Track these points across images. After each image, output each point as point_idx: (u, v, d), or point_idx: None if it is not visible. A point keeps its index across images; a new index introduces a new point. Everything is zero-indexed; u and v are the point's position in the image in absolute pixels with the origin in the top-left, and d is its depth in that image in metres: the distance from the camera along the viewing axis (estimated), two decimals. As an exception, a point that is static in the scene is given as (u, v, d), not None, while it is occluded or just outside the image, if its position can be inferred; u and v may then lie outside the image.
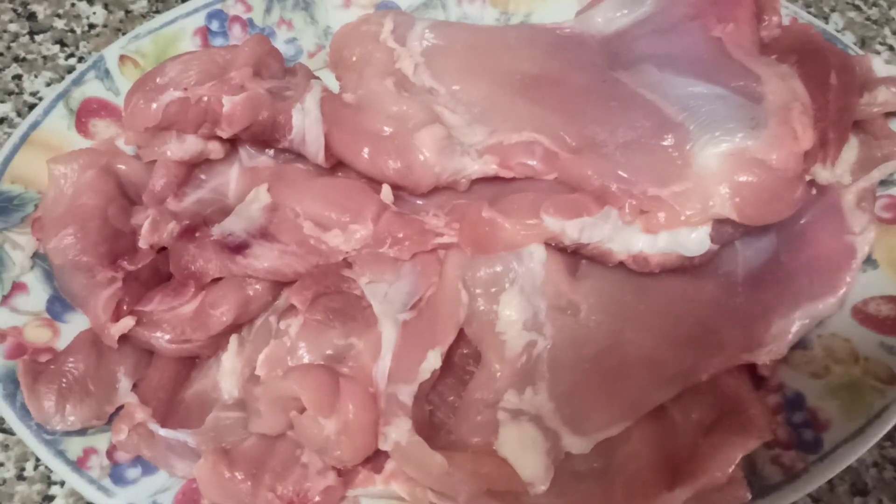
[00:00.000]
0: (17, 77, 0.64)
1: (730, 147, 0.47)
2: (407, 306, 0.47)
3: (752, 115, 0.47)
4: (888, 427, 0.44)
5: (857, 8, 0.68)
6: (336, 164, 0.53)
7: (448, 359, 0.47)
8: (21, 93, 0.63)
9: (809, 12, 0.68)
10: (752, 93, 0.49)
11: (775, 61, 0.51)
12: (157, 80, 0.51)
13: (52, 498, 0.50)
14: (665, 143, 0.49)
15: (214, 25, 0.57)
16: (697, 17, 0.53)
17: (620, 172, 0.48)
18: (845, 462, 0.43)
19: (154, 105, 0.50)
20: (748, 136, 0.47)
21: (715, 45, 0.52)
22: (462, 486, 0.42)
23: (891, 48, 0.66)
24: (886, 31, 0.67)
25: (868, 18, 0.67)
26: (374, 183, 0.51)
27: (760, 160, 0.46)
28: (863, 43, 0.66)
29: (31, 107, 0.54)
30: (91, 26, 0.66)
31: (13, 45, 0.64)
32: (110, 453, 0.46)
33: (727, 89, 0.49)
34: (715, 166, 0.47)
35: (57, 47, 0.65)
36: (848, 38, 0.66)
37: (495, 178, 0.51)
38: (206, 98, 0.50)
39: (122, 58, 0.55)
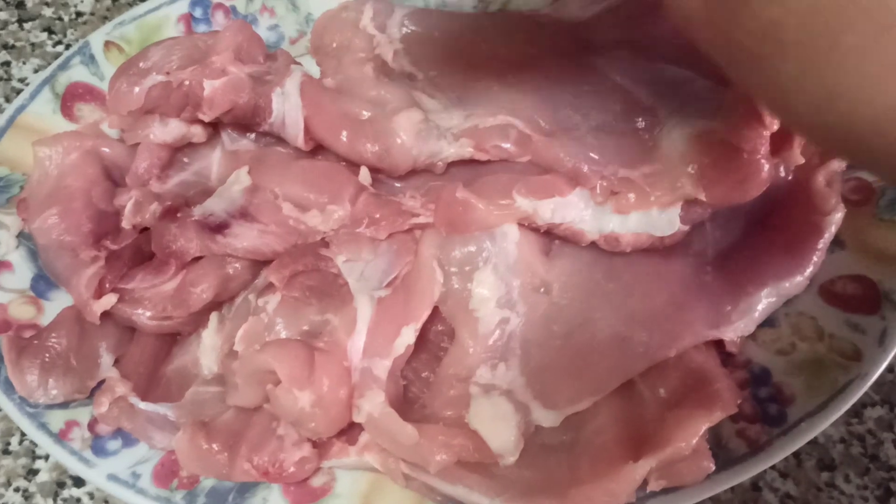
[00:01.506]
0: (6, 64, 0.65)
1: (698, 129, 0.48)
2: (382, 284, 0.48)
3: (720, 97, 0.48)
4: (851, 402, 0.45)
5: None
6: (316, 147, 0.54)
7: (423, 335, 0.48)
8: (9, 79, 0.64)
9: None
10: (722, 76, 0.49)
11: (745, 46, 0.52)
12: (140, 64, 0.52)
13: (36, 471, 0.51)
14: (636, 126, 0.50)
15: (198, 12, 0.58)
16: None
17: (592, 154, 0.49)
18: (809, 435, 0.44)
19: (137, 89, 0.51)
20: (716, 118, 0.48)
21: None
22: (433, 456, 0.43)
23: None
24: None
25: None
26: (353, 165, 0.52)
27: (727, 141, 0.47)
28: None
29: (20, 93, 0.55)
30: (78, 14, 0.67)
31: (2, 32, 0.65)
32: (91, 426, 0.47)
33: (697, 73, 0.50)
34: (683, 148, 0.48)
35: (45, 34, 0.66)
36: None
37: (471, 161, 0.52)
38: (187, 82, 0.51)
39: (107, 44, 0.56)
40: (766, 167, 0.47)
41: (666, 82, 0.50)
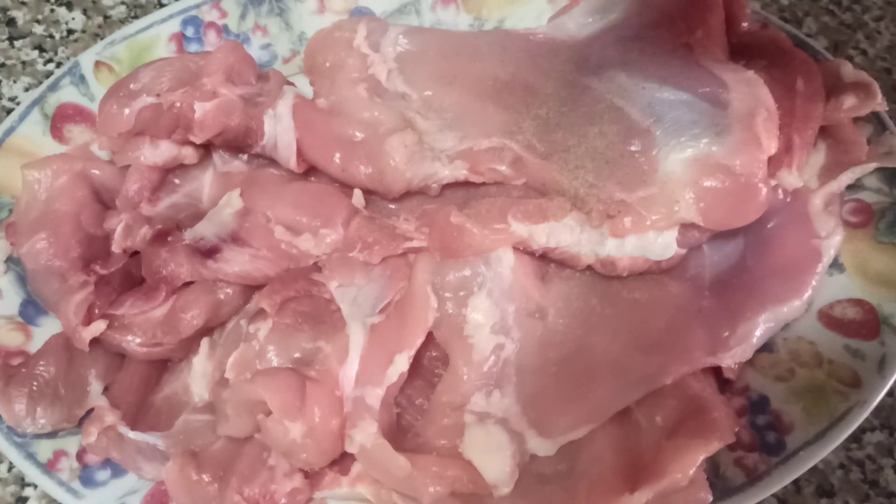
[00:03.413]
0: (-4, 82, 0.64)
1: (695, 153, 0.47)
2: (376, 310, 0.48)
3: (717, 121, 0.48)
4: (850, 430, 0.44)
5: (831, 13, 0.68)
6: (309, 169, 0.53)
7: (416, 362, 0.47)
8: (0, 98, 0.64)
9: (783, 16, 0.68)
10: (719, 99, 0.49)
11: (742, 68, 0.51)
12: (131, 86, 0.52)
13: (25, 499, 0.50)
14: (632, 149, 0.49)
15: (189, 31, 0.57)
16: (667, 23, 0.54)
17: (588, 177, 0.49)
18: (808, 464, 0.44)
19: (127, 111, 0.50)
20: (713, 142, 0.47)
21: (683, 52, 0.52)
22: (426, 488, 0.42)
23: (864, 52, 0.66)
24: (860, 35, 0.67)
25: (842, 23, 0.68)
26: (347, 188, 0.52)
27: (725, 166, 0.46)
28: (836, 47, 0.66)
29: (10, 112, 0.54)
30: (70, 31, 0.66)
31: (-7, 50, 0.65)
32: (80, 456, 0.46)
33: (694, 95, 0.50)
34: (680, 171, 0.47)
35: (36, 52, 0.65)
36: (821, 43, 0.67)
37: (466, 183, 0.51)
38: (178, 104, 0.50)
39: (98, 63, 0.56)
40: (764, 191, 0.47)
41: (663, 104, 0.50)
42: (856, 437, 0.52)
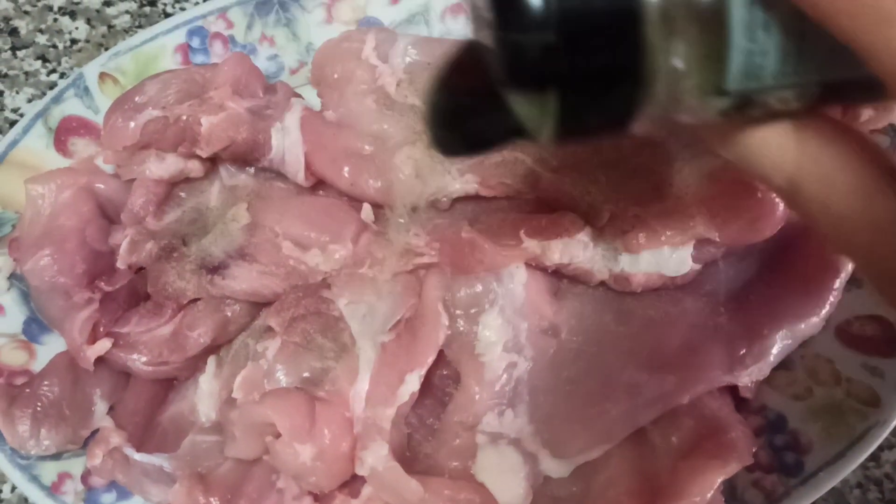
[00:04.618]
0: (-1, 93, 0.63)
1: (710, 165, 0.46)
2: (386, 327, 0.47)
3: (733, 134, 0.47)
4: (870, 450, 0.43)
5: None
6: (317, 183, 0.52)
7: (427, 380, 0.46)
8: (2, 109, 0.63)
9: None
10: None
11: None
12: (136, 98, 0.51)
13: (29, 521, 0.50)
14: (646, 162, 0.48)
15: (195, 42, 0.57)
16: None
17: (601, 192, 0.48)
18: (827, 486, 0.43)
19: (132, 124, 0.50)
20: (729, 156, 0.46)
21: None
22: (438, 512, 0.42)
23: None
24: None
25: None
26: (356, 201, 0.51)
27: (741, 180, 0.46)
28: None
29: (13, 123, 0.54)
30: (73, 41, 0.65)
31: (-5, 61, 0.64)
32: (85, 478, 0.45)
33: (709, 107, 0.49)
34: (695, 185, 0.46)
35: (39, 63, 0.64)
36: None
37: (477, 197, 0.51)
38: (184, 117, 0.49)
39: (102, 75, 0.55)
40: (781, 206, 0.46)
41: (677, 117, 0.49)
42: (874, 456, 0.51)
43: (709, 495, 0.41)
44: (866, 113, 0.50)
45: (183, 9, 0.66)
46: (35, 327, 0.49)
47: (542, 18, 0.21)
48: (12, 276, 0.50)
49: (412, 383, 0.45)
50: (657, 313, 0.49)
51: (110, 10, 0.67)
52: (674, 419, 0.45)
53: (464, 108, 0.30)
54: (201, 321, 0.47)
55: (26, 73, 0.64)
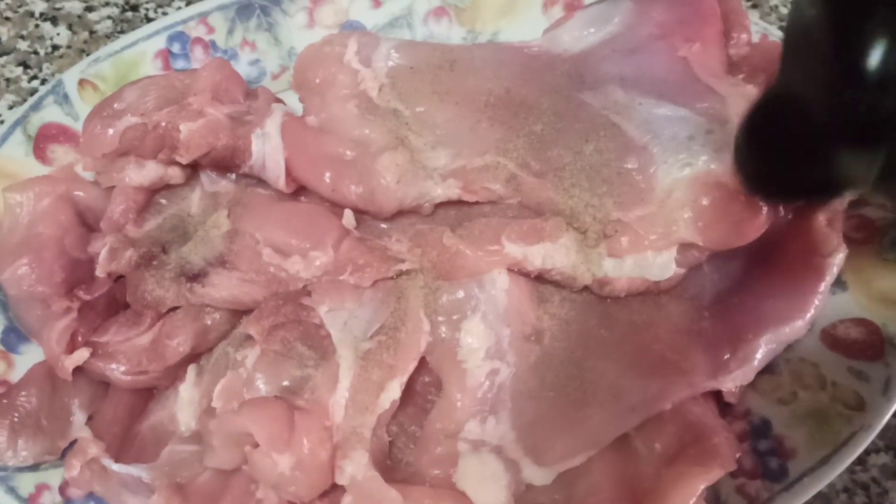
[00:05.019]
0: (-20, 100, 0.63)
1: (693, 170, 0.46)
2: (367, 334, 0.46)
3: (716, 137, 0.47)
4: (855, 455, 0.43)
5: (832, 21, 0.67)
6: (298, 189, 0.52)
7: (409, 387, 0.46)
8: (-16, 116, 0.62)
9: (783, 28, 0.67)
10: (717, 115, 0.48)
11: (741, 82, 0.50)
12: (115, 105, 0.50)
13: (8, 533, 0.49)
14: (629, 167, 0.48)
15: (176, 48, 0.56)
16: (664, 36, 0.53)
17: (584, 196, 0.48)
18: (811, 491, 0.43)
19: (111, 131, 0.49)
20: (712, 159, 0.46)
21: (681, 66, 0.51)
22: (419, 521, 0.41)
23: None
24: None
25: (842, 32, 0.67)
26: (338, 207, 0.51)
27: (724, 184, 0.45)
28: (837, 57, 0.65)
29: (-5, 131, 0.53)
30: (55, 48, 0.65)
31: (-24, 67, 0.64)
32: (63, 489, 0.45)
33: (692, 111, 0.48)
34: (678, 190, 0.46)
35: (20, 69, 0.64)
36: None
37: (459, 202, 0.50)
38: (163, 124, 0.49)
39: (82, 82, 0.55)
40: (765, 210, 0.46)
41: (660, 120, 0.49)
42: (860, 460, 0.51)
43: (691, 502, 0.41)
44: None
45: (165, 13, 0.66)
46: (13, 337, 0.49)
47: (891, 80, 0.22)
48: (-10, 286, 0.50)
49: (393, 391, 0.44)
50: (641, 318, 0.48)
51: (92, 16, 0.66)
52: (657, 425, 0.45)
53: (781, 155, 0.32)
54: (181, 330, 0.47)
55: (7, 80, 0.64)
